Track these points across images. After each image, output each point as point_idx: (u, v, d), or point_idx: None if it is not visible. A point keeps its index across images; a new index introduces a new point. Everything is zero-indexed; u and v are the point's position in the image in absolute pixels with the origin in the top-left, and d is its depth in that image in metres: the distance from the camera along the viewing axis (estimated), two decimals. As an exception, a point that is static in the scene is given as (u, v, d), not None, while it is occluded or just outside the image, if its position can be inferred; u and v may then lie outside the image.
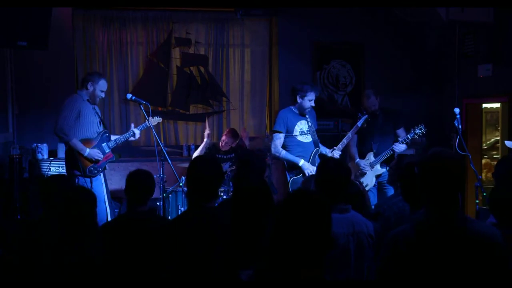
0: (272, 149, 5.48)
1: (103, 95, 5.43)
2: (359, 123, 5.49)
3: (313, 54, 7.95)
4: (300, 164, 5.34)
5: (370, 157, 5.77)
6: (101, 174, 5.34)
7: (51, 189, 3.35)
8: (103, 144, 5.31)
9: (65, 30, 7.25)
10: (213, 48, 7.94)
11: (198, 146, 7.64)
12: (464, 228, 2.17)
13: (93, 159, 5.19)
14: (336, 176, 3.01)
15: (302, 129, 5.46)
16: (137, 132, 5.46)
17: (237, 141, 6.84)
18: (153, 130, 5.24)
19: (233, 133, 6.80)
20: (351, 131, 5.59)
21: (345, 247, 2.88)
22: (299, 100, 5.41)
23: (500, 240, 2.17)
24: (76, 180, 5.12)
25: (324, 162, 3.17)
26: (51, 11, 5.70)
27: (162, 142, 7.16)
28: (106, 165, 5.40)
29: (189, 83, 7.89)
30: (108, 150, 5.35)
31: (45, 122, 6.94)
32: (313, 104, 5.47)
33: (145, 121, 5.44)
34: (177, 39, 7.84)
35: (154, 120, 5.57)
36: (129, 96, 5.31)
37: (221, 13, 7.79)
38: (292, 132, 5.42)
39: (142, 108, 5.21)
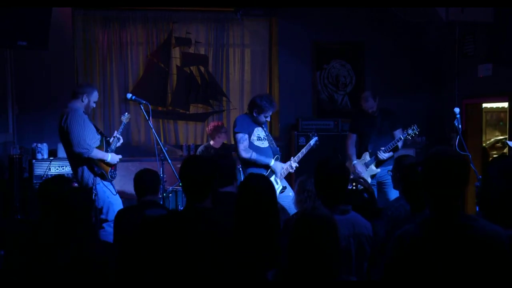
0: (242, 152, 5.22)
1: (94, 105, 5.40)
2: (312, 142, 5.49)
3: (313, 54, 7.96)
4: (271, 164, 5.26)
5: (366, 157, 5.81)
6: None
7: (49, 189, 3.35)
8: (108, 149, 5.32)
9: (65, 30, 7.26)
10: (213, 48, 7.95)
11: (198, 146, 7.65)
12: (469, 226, 2.16)
13: (113, 163, 5.21)
14: (336, 177, 3.00)
15: (260, 135, 5.41)
16: (121, 137, 5.46)
17: (222, 131, 6.83)
18: (153, 130, 5.25)
19: (214, 128, 6.81)
20: (304, 148, 5.47)
21: (347, 248, 2.87)
22: (255, 114, 5.29)
23: (505, 239, 2.17)
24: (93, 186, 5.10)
25: (324, 163, 3.14)
26: (51, 11, 5.69)
27: (162, 141, 7.17)
28: None
29: (189, 83, 7.90)
30: None
31: (45, 122, 6.95)
32: (268, 119, 5.38)
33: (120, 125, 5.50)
34: (177, 39, 7.84)
35: (126, 118, 5.55)
36: (129, 96, 5.30)
37: (221, 13, 7.79)
38: (251, 137, 5.34)
39: (142, 108, 5.21)
